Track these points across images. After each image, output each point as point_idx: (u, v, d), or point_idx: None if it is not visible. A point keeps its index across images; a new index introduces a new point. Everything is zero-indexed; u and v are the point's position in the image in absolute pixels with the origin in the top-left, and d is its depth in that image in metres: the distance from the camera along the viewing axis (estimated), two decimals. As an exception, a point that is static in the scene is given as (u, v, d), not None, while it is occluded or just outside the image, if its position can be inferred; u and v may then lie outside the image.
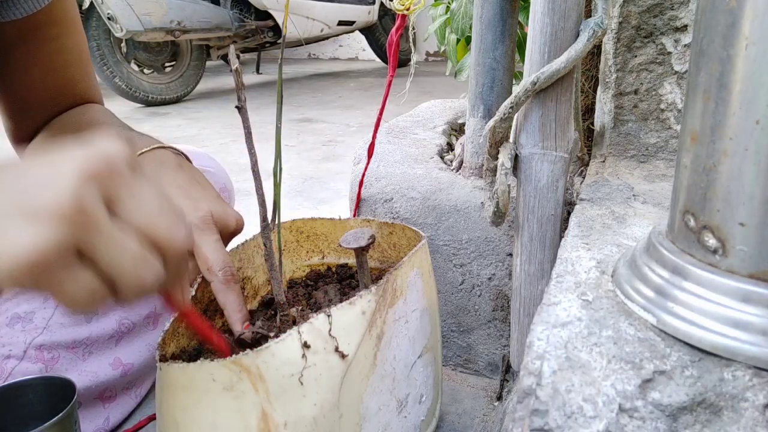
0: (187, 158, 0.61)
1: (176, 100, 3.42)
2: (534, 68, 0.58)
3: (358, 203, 0.82)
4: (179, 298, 0.38)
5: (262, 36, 3.78)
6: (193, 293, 0.53)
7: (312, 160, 2.14)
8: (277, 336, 0.44)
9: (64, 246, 0.28)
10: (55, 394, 0.55)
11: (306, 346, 0.44)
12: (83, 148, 0.31)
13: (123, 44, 3.17)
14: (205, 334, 0.43)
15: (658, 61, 0.70)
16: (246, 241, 0.63)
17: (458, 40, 1.10)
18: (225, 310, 0.51)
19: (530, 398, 0.31)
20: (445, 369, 0.85)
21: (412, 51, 0.94)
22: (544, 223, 0.61)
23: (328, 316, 0.46)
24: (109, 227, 0.30)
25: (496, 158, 0.63)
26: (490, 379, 0.83)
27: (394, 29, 0.66)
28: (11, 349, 0.62)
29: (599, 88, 0.79)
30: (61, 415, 0.49)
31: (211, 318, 0.57)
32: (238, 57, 0.42)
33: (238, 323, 0.51)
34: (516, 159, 0.62)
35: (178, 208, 0.34)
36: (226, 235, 0.55)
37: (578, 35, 0.56)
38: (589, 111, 0.87)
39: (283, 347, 0.43)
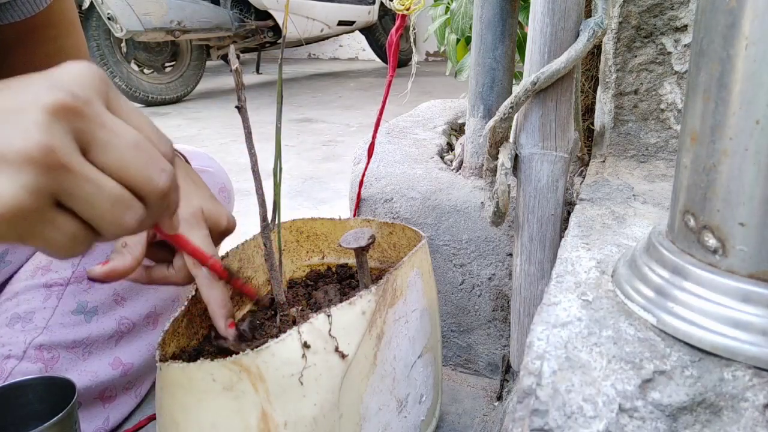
0: (185, 159, 0.61)
1: (176, 100, 3.42)
2: (534, 68, 0.58)
3: (358, 203, 0.82)
4: (167, 226, 0.37)
5: (262, 36, 3.78)
6: (194, 293, 0.53)
7: (312, 160, 2.14)
8: (276, 336, 0.44)
9: (39, 193, 0.27)
10: (55, 394, 0.55)
11: (306, 346, 0.44)
12: (49, 76, 0.29)
13: (123, 44, 3.17)
14: (198, 257, 0.43)
15: (658, 61, 0.70)
16: (246, 241, 0.63)
17: (458, 40, 1.10)
18: (208, 305, 0.51)
19: (530, 398, 0.31)
20: (445, 369, 0.85)
21: (413, 51, 0.94)
22: (544, 223, 0.61)
23: (328, 316, 0.46)
24: (83, 168, 0.28)
25: (496, 158, 0.63)
26: (490, 379, 0.83)
27: (394, 29, 0.66)
28: (11, 349, 0.62)
29: (599, 88, 0.79)
30: (61, 415, 0.50)
31: (210, 319, 0.57)
32: (238, 57, 0.42)
33: (221, 319, 0.51)
34: (516, 159, 0.62)
35: (161, 139, 0.32)
36: (217, 234, 0.55)
37: (578, 35, 0.56)
38: (589, 111, 0.87)
39: (283, 347, 0.43)
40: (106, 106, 0.30)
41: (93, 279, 0.46)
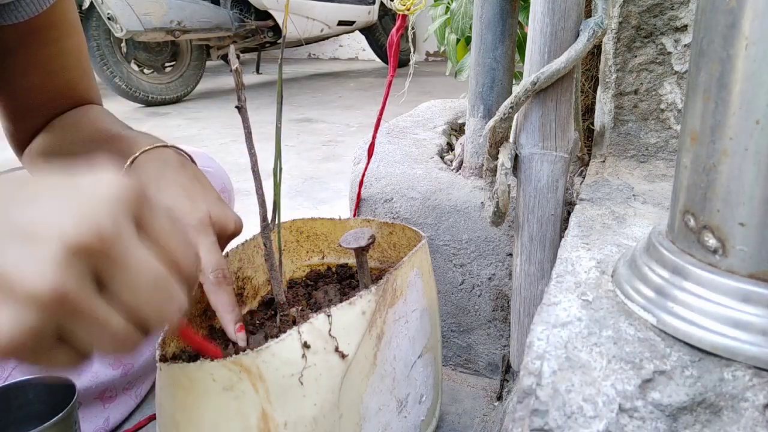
0: (191, 159, 0.61)
1: (176, 100, 3.42)
2: (534, 68, 0.58)
3: (358, 203, 0.82)
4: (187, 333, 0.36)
5: (262, 36, 3.78)
6: (194, 293, 0.53)
7: (312, 160, 2.14)
8: (277, 336, 0.44)
9: (42, 333, 0.26)
10: (55, 394, 0.55)
11: (306, 346, 0.44)
12: (80, 197, 0.27)
13: (123, 44, 3.17)
14: (198, 345, 0.42)
15: (658, 61, 0.70)
16: (246, 241, 0.63)
17: (458, 40, 1.10)
18: (217, 311, 0.51)
19: (530, 398, 0.31)
20: (445, 369, 0.85)
21: (412, 51, 0.94)
22: (544, 223, 0.61)
23: (328, 316, 0.46)
24: (94, 311, 0.27)
25: (496, 158, 0.63)
26: (490, 379, 0.83)
27: (394, 29, 0.66)
28: (11, 349, 0.62)
29: (599, 88, 0.79)
30: (61, 415, 0.50)
31: (210, 319, 0.57)
32: (238, 57, 0.42)
33: (230, 324, 0.51)
34: (516, 159, 0.62)
35: (187, 256, 0.31)
36: (225, 238, 0.54)
37: (578, 35, 0.56)
38: (589, 111, 0.87)
39: (283, 347, 0.43)
40: (137, 224, 0.29)
41: None
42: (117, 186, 0.28)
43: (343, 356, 0.46)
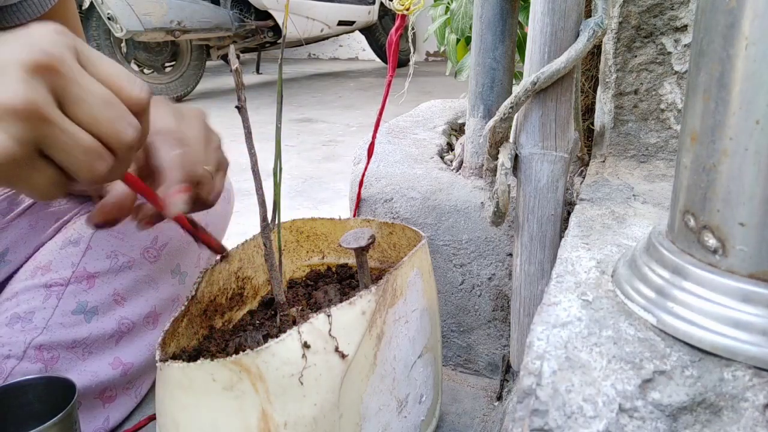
0: None
1: (176, 100, 3.42)
2: (534, 68, 0.58)
3: (358, 203, 0.82)
4: (129, 176, 0.40)
5: (262, 36, 3.78)
6: (194, 293, 0.53)
7: (312, 160, 2.14)
8: (277, 336, 0.44)
9: (25, 142, 0.30)
10: (55, 394, 0.55)
11: (306, 346, 0.44)
12: (22, 37, 0.32)
13: (123, 44, 3.17)
14: (154, 201, 0.44)
15: (658, 61, 0.70)
16: (246, 241, 0.63)
17: (458, 40, 1.10)
18: (163, 173, 0.45)
19: (530, 398, 0.31)
20: (445, 369, 0.85)
21: (412, 51, 0.94)
22: (544, 223, 0.61)
23: (328, 316, 0.46)
24: (61, 121, 0.32)
25: (496, 158, 0.63)
26: (490, 379, 0.83)
27: (393, 29, 0.66)
28: (11, 349, 0.62)
29: (599, 88, 0.79)
30: (61, 415, 0.50)
31: (211, 318, 0.57)
32: (238, 57, 0.42)
33: (172, 186, 0.44)
34: (516, 159, 0.62)
35: (134, 87, 0.35)
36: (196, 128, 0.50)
37: (578, 35, 0.56)
38: (589, 111, 0.87)
39: (283, 347, 0.43)
40: (78, 61, 0.33)
41: (98, 225, 0.45)
42: (53, 29, 0.34)
43: (343, 356, 0.46)
